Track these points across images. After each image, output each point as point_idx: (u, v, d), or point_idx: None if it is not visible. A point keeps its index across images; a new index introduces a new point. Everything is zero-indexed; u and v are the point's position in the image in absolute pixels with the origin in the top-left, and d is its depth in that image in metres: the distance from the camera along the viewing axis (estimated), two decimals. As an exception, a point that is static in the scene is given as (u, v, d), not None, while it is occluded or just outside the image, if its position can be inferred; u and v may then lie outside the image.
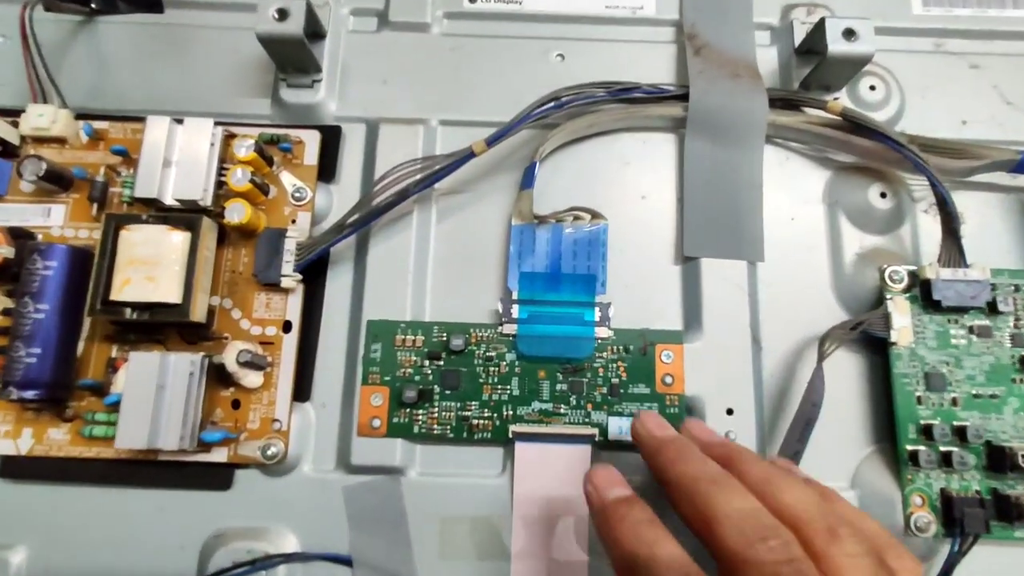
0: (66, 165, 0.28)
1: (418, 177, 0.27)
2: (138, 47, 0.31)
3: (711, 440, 0.23)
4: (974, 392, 0.26)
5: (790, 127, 0.29)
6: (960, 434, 0.25)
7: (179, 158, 0.27)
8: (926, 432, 0.26)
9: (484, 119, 0.30)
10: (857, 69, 0.29)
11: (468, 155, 0.27)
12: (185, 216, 0.26)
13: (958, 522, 0.24)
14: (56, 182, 0.28)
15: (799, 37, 0.30)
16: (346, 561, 0.26)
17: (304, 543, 0.26)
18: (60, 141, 0.29)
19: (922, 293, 0.27)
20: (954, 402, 0.26)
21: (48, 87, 0.29)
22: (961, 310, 0.27)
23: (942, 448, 0.25)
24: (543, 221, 0.28)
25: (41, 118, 0.28)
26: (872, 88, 0.30)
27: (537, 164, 0.28)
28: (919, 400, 0.26)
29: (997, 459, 0.25)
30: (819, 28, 0.28)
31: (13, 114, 0.29)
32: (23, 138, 0.29)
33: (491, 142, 0.27)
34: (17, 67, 0.30)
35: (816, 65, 0.29)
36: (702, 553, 0.19)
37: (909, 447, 0.26)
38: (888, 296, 0.27)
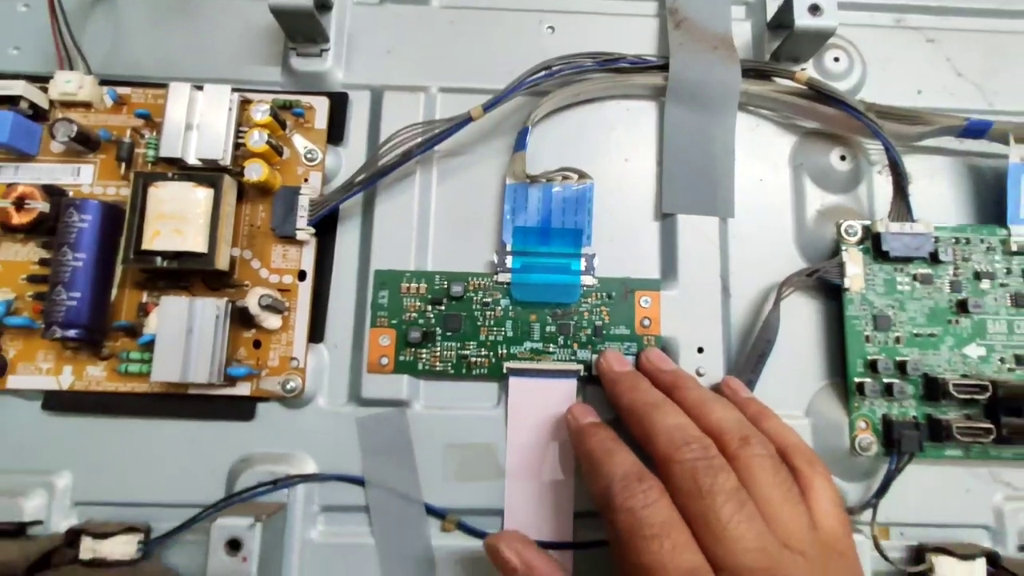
0: (92, 128, 0.31)
1: (420, 140, 0.30)
2: (154, 16, 0.33)
3: (663, 367, 0.28)
4: (915, 332, 0.29)
5: (761, 95, 0.32)
6: (901, 368, 0.29)
7: (200, 121, 0.30)
8: (872, 366, 0.29)
9: (481, 86, 0.32)
10: (822, 42, 0.31)
11: (466, 120, 0.29)
12: (207, 174, 0.29)
13: (896, 442, 0.28)
14: (84, 143, 0.30)
15: (771, 12, 0.33)
16: (359, 481, 0.29)
17: (321, 466, 0.29)
18: (86, 105, 0.31)
19: (873, 245, 0.30)
20: (897, 340, 0.29)
21: (74, 54, 0.31)
22: (907, 260, 0.30)
23: (885, 380, 0.29)
24: (535, 180, 0.31)
25: (69, 84, 0.30)
26: (836, 60, 0.33)
27: (529, 128, 0.31)
28: (867, 339, 0.29)
29: (932, 389, 0.28)
30: (788, 3, 0.31)
31: (41, 80, 0.31)
32: (51, 102, 0.31)
33: (488, 108, 0.30)
34: (41, 35, 0.32)
35: (785, 38, 0.31)
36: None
37: (857, 379, 0.29)
38: (843, 248, 0.30)
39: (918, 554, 0.28)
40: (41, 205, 0.29)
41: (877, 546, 0.28)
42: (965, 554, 0.27)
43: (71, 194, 0.30)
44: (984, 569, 0.27)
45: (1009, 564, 0.27)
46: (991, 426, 0.27)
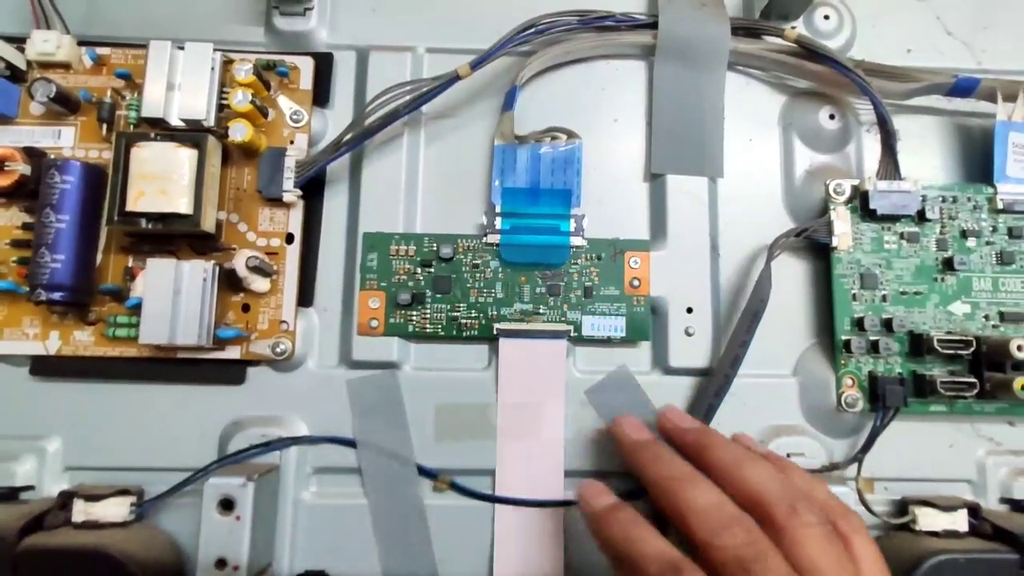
0: (72, 89, 0.30)
1: (407, 99, 0.29)
2: (132, -24, 0.33)
3: (685, 426, 0.26)
4: (901, 290, 0.30)
5: (750, 54, 0.32)
6: (887, 325, 0.29)
7: (181, 81, 0.29)
8: (859, 324, 0.29)
9: (468, 47, 0.31)
10: (811, -1, 0.31)
11: (454, 78, 0.29)
12: (191, 134, 0.28)
13: (881, 397, 0.28)
14: (64, 104, 0.29)
15: (761, -31, 0.32)
16: (350, 443, 0.29)
17: (312, 429, 0.29)
18: (65, 66, 0.30)
19: (861, 203, 0.30)
20: (884, 298, 0.30)
21: (50, 13, 0.31)
22: (894, 218, 0.30)
23: (871, 337, 0.29)
24: (523, 141, 0.31)
25: (47, 43, 0.30)
26: (826, 17, 0.33)
27: (518, 88, 0.31)
28: (854, 297, 0.30)
29: (917, 345, 0.29)
30: (778, -40, 0.30)
31: (17, 41, 0.30)
32: (29, 63, 0.30)
33: (475, 65, 0.29)
34: (16, -6, 0.31)
35: (775, -5, 0.31)
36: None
37: (844, 337, 0.29)
38: (832, 207, 0.30)
39: (901, 507, 0.29)
40: (22, 167, 0.28)
41: (862, 500, 0.28)
42: (947, 506, 0.28)
43: (52, 156, 0.30)
44: (966, 519, 0.28)
45: (989, 515, 0.28)
46: (975, 381, 0.28)
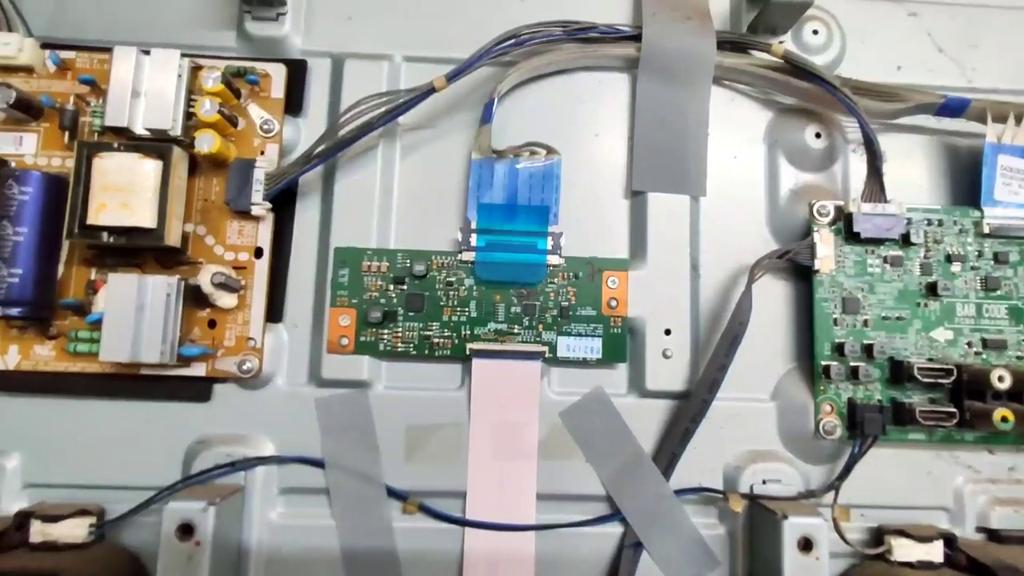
0: (34, 94, 0.29)
1: (382, 110, 0.28)
2: (100, -25, 0.31)
3: None
4: (883, 315, 0.29)
5: (736, 69, 0.31)
6: (868, 351, 0.29)
7: (147, 88, 0.28)
8: (839, 349, 0.29)
9: (448, 56, 0.30)
10: (800, 13, 0.30)
11: (429, 90, 0.28)
12: (156, 145, 0.27)
13: (859, 425, 0.28)
14: (26, 110, 0.28)
15: (749, -19, 0.31)
16: (319, 463, 0.28)
17: (280, 448, 0.29)
18: (27, 70, 0.29)
19: (845, 226, 0.29)
20: (865, 323, 0.29)
21: (12, 15, 0.30)
22: (878, 241, 0.29)
23: (852, 363, 0.28)
24: (501, 156, 0.30)
25: (7, 46, 0.29)
26: (815, 32, 0.32)
27: (496, 100, 0.30)
28: (835, 322, 0.29)
29: (897, 372, 0.28)
30: (766, -28, 0.29)
31: (-23, 42, 0.29)
32: (-11, 66, 0.29)
33: (451, 77, 0.28)
34: (-22, -7, 0.30)
35: (762, 9, 0.30)
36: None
37: (824, 362, 0.29)
38: (815, 228, 0.29)
39: (877, 536, 0.28)
40: (-20, 176, 0.27)
41: (837, 528, 0.27)
42: (923, 536, 0.27)
43: (13, 165, 0.29)
44: (941, 551, 0.27)
45: (965, 546, 0.27)
46: (954, 410, 0.27)
